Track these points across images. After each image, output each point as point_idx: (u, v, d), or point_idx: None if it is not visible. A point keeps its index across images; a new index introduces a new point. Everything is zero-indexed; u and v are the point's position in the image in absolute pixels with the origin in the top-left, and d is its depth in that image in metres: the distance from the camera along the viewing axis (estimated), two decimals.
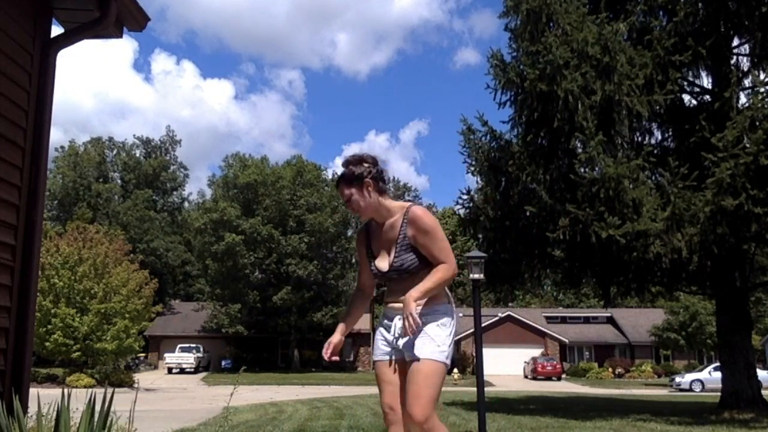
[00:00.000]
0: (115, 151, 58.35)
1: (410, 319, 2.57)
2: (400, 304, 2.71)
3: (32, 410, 3.50)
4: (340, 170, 2.91)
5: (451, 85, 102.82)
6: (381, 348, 2.86)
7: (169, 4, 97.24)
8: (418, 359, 2.65)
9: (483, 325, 8.12)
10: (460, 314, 45.41)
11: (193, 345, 40.34)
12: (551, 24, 12.34)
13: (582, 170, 11.75)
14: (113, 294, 24.31)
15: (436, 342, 2.68)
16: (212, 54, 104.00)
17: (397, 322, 2.76)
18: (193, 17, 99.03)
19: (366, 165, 2.79)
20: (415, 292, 2.61)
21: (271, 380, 30.00)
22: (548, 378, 38.49)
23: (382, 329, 2.89)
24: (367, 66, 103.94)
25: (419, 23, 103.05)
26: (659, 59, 11.76)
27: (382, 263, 2.82)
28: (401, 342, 2.76)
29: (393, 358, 2.79)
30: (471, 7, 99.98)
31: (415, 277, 2.75)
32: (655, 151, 13.19)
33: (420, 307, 2.65)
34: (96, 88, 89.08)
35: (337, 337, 2.90)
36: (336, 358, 2.90)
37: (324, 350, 2.89)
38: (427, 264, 2.76)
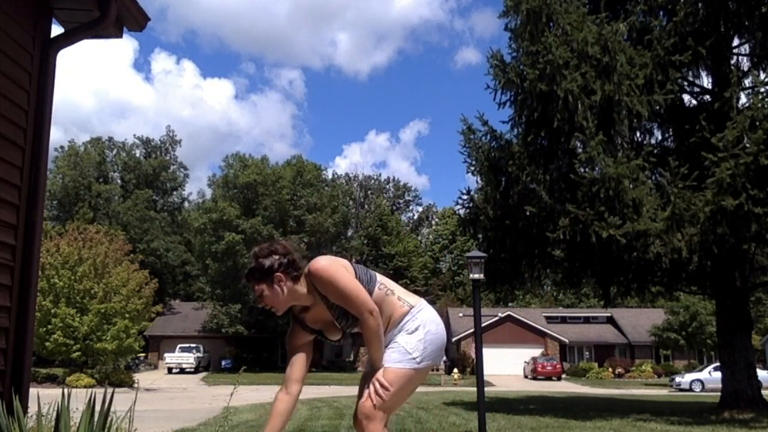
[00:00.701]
0: (115, 151, 58.39)
1: (381, 390, 2.51)
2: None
3: (32, 410, 3.50)
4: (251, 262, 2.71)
5: (452, 84, 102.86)
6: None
7: (169, 3, 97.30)
8: (384, 365, 2.59)
9: (483, 325, 8.12)
10: (460, 314, 45.43)
11: (193, 345, 40.33)
12: (551, 24, 12.35)
13: (582, 170, 11.75)
14: (113, 294, 24.31)
15: (406, 349, 2.59)
16: (212, 53, 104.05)
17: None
18: (194, 17, 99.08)
19: (276, 257, 2.60)
20: (379, 372, 2.55)
21: (271, 380, 29.96)
22: (548, 378, 38.48)
23: None
24: (368, 66, 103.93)
25: (420, 23, 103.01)
26: (659, 59, 11.76)
27: (335, 335, 2.71)
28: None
29: None
30: (472, 6, 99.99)
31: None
32: (655, 151, 13.20)
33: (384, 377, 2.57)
34: (96, 88, 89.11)
35: None
36: None
37: None
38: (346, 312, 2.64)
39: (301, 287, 2.62)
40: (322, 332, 2.74)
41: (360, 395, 2.65)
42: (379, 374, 2.56)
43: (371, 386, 2.56)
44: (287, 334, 2.77)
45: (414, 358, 2.58)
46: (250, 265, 2.67)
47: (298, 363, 2.70)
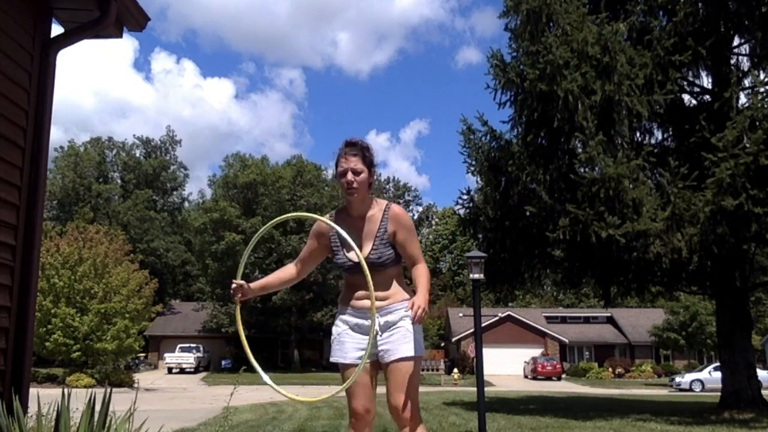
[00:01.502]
0: (115, 151, 58.39)
1: (420, 311, 2.56)
2: (368, 303, 2.66)
3: (32, 410, 3.50)
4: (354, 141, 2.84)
5: (453, 84, 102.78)
6: (352, 351, 2.76)
7: (170, 3, 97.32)
8: (404, 356, 2.68)
9: (483, 325, 8.12)
10: (460, 314, 45.45)
11: (193, 345, 40.34)
12: (551, 24, 12.34)
13: (582, 170, 11.75)
14: (113, 294, 24.32)
15: (415, 337, 2.73)
16: (212, 53, 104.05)
17: (378, 319, 2.69)
18: (194, 16, 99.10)
19: (375, 159, 2.81)
20: (422, 302, 2.59)
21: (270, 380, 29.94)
22: (548, 378, 38.49)
23: (349, 331, 2.79)
24: (368, 65, 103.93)
25: (420, 22, 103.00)
26: (659, 59, 11.75)
27: (354, 255, 2.72)
28: (385, 340, 2.72)
29: (367, 360, 2.65)
30: (473, 5, 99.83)
31: (383, 273, 2.74)
32: (655, 151, 13.19)
33: (402, 310, 2.69)
34: (96, 87, 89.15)
35: (248, 284, 2.84)
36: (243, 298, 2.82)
37: (234, 293, 2.82)
38: (397, 262, 2.79)
39: (368, 199, 2.82)
40: (345, 242, 2.74)
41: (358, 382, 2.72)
42: (407, 367, 2.68)
43: (401, 385, 2.67)
44: (306, 252, 2.95)
45: (422, 347, 2.78)
46: (363, 143, 2.81)
47: (310, 264, 2.96)
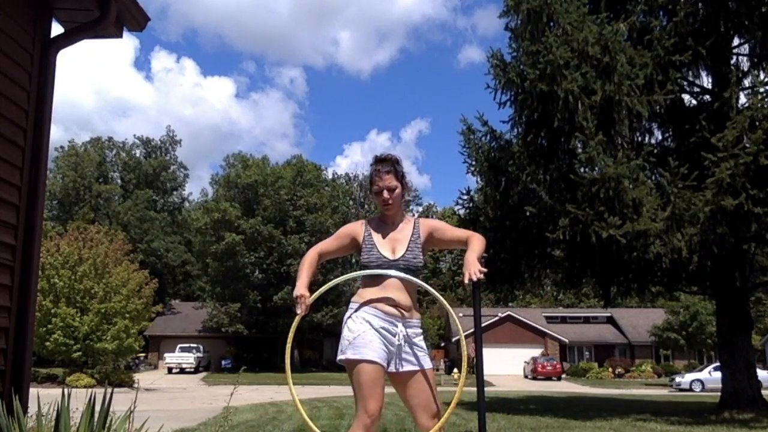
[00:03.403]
0: (115, 151, 58.39)
1: (476, 269, 2.70)
2: (395, 310, 2.79)
3: (32, 410, 3.50)
4: (384, 159, 3.01)
5: (455, 83, 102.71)
6: (380, 351, 2.75)
7: (170, 2, 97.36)
8: (425, 368, 2.86)
9: (483, 325, 8.11)
10: (460, 314, 45.45)
11: (193, 345, 40.33)
12: (551, 24, 12.34)
13: (582, 170, 11.75)
14: (113, 294, 24.31)
15: (426, 352, 2.92)
16: (213, 52, 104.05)
17: (403, 329, 2.81)
18: (194, 15, 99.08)
19: (405, 171, 3.00)
20: (475, 257, 2.75)
21: (271, 380, 29.99)
22: (548, 378, 38.50)
23: (377, 333, 2.79)
24: (370, 64, 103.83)
25: (422, 21, 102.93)
26: (659, 59, 11.75)
27: (389, 251, 2.87)
28: (406, 350, 2.82)
29: (389, 365, 2.81)
30: (475, 3, 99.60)
31: (410, 284, 2.84)
32: (655, 151, 13.19)
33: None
34: (97, 86, 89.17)
35: (308, 295, 2.82)
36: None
37: (300, 309, 2.78)
38: (422, 272, 2.91)
39: (401, 210, 3.01)
40: (376, 249, 2.87)
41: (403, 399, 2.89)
42: (431, 376, 2.86)
43: (428, 394, 2.84)
44: (329, 241, 3.05)
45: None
46: (393, 157, 2.98)
47: (330, 257, 3.07)
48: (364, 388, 2.68)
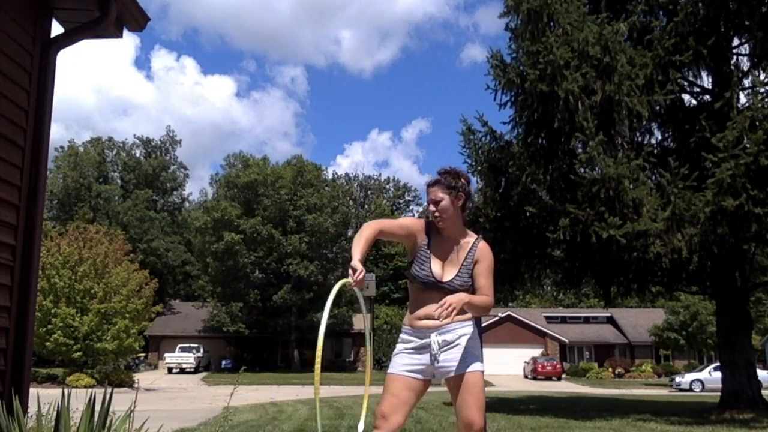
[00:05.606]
0: (115, 151, 58.40)
1: (448, 308, 2.58)
2: (426, 322, 2.80)
3: (32, 410, 3.50)
4: (432, 176, 2.95)
5: (457, 82, 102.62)
6: (408, 365, 2.84)
7: (171, 1, 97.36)
8: (464, 372, 2.79)
9: (483, 325, 8.12)
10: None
11: (193, 345, 40.31)
12: (552, 24, 12.34)
13: (582, 170, 11.75)
14: (113, 294, 24.30)
15: (476, 354, 2.84)
16: (213, 51, 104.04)
17: (436, 338, 2.81)
18: (195, 14, 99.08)
19: (462, 181, 2.88)
20: (465, 297, 2.67)
21: (271, 380, 30.01)
22: (548, 378, 38.49)
23: (410, 349, 2.87)
24: (371, 64, 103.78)
25: (424, 19, 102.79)
26: (659, 59, 11.75)
27: (440, 271, 2.84)
28: (444, 357, 2.81)
29: (418, 377, 2.83)
30: (477, 2, 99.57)
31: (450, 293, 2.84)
32: (655, 151, 13.20)
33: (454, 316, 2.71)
34: (97, 85, 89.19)
35: (363, 270, 2.68)
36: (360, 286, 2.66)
37: (354, 278, 2.62)
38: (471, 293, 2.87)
39: (460, 224, 2.91)
40: (429, 264, 2.86)
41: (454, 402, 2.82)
42: (476, 378, 2.78)
43: (473, 398, 2.75)
44: (394, 223, 2.96)
45: (482, 362, 2.90)
46: (443, 170, 2.90)
47: (383, 238, 2.91)
48: (382, 394, 2.85)
